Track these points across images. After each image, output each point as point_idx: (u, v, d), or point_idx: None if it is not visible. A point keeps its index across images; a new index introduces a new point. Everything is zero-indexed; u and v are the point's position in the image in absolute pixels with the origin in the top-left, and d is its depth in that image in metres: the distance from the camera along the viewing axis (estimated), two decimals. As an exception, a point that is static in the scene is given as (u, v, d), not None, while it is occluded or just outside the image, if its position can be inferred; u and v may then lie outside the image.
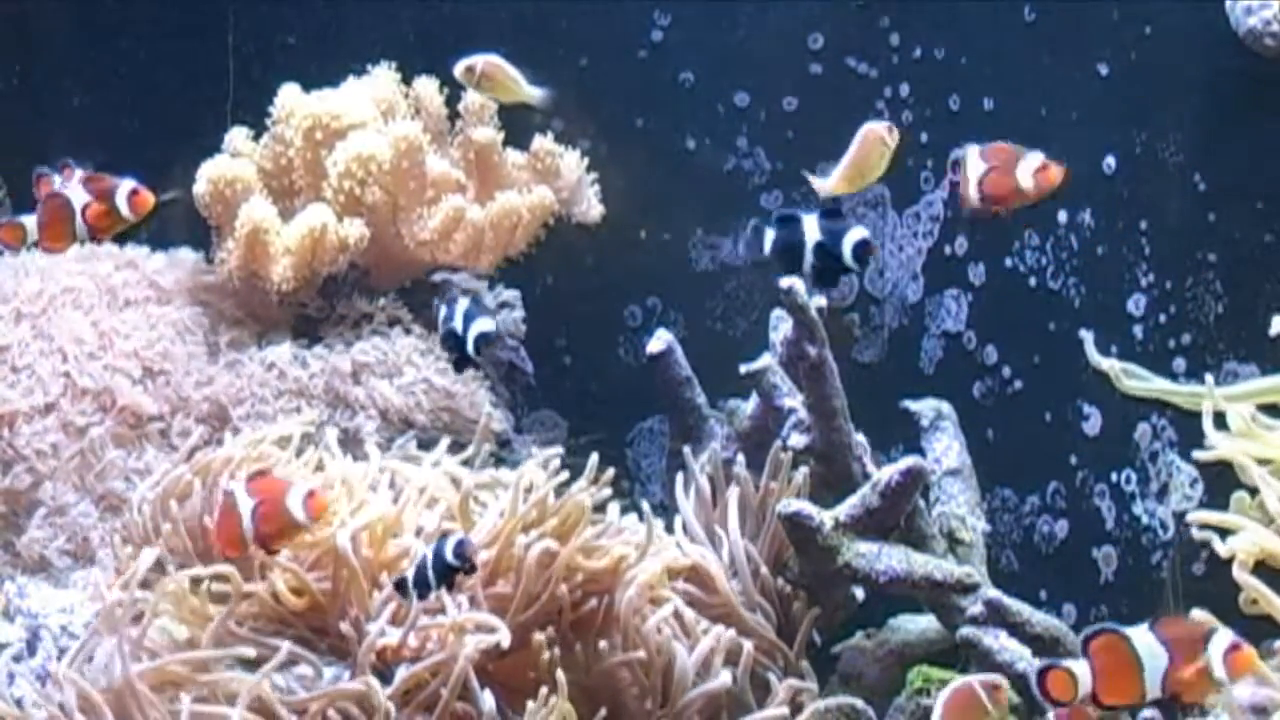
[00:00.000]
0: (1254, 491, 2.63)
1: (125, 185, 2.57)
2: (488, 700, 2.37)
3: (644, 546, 2.56)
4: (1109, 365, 2.94)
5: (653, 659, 2.50)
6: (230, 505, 2.42)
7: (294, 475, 2.57)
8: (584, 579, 2.50)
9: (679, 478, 2.86)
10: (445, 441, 2.82)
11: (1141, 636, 2.07)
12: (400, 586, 2.39)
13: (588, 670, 2.47)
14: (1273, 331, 2.78)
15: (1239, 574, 2.44)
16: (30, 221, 2.60)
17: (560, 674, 2.34)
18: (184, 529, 2.54)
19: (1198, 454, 2.69)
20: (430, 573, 2.35)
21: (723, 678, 2.50)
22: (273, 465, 2.62)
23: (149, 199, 2.58)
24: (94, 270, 3.12)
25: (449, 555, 2.34)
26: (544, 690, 2.33)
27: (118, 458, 2.92)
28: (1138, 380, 2.94)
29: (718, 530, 2.78)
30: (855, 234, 2.51)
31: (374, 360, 3.09)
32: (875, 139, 2.59)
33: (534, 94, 3.02)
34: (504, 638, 2.39)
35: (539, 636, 2.44)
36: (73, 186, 2.57)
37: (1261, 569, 2.48)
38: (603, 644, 2.48)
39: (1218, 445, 2.64)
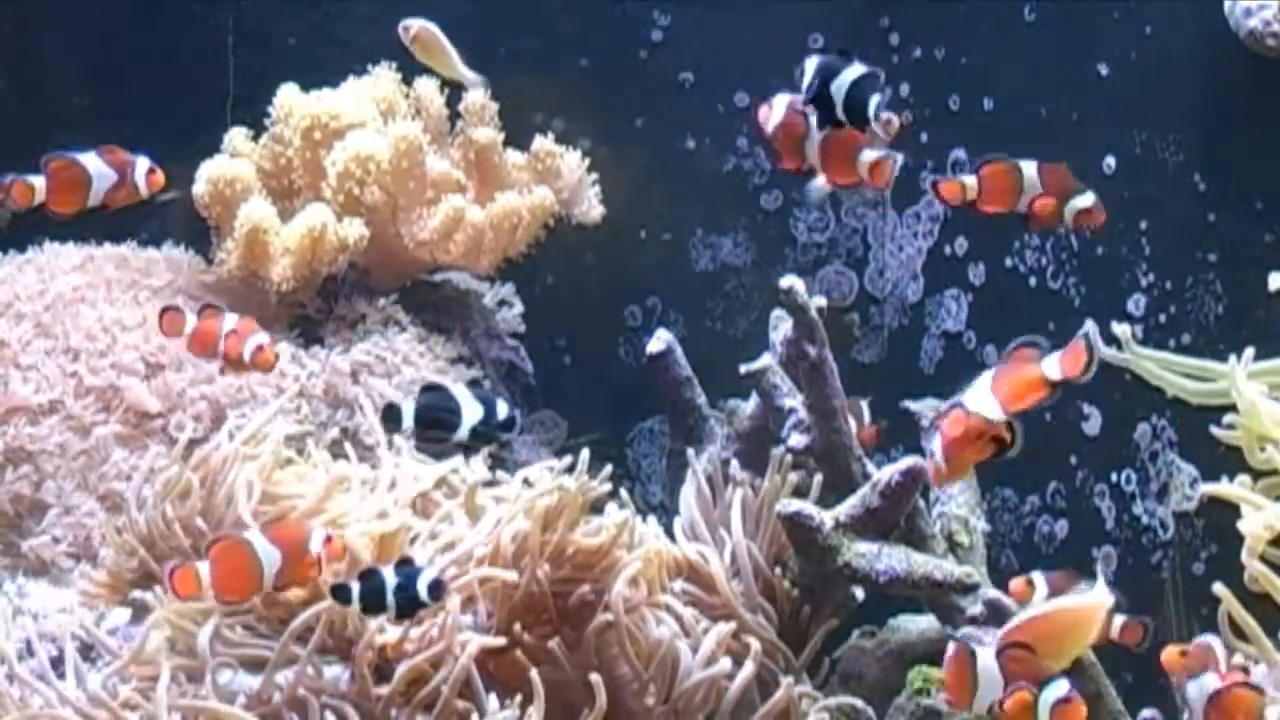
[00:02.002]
0: (1257, 475, 2.64)
1: (142, 162, 2.62)
2: (491, 700, 2.36)
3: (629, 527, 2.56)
4: (1121, 330, 2.91)
5: (653, 655, 2.49)
6: (248, 555, 2.29)
7: (306, 518, 2.51)
8: (575, 553, 2.49)
9: (679, 478, 2.86)
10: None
11: (985, 658, 2.19)
12: (365, 602, 2.32)
13: (586, 666, 2.46)
14: (1272, 287, 2.79)
15: (1247, 559, 2.45)
16: (40, 183, 2.57)
17: (534, 675, 2.34)
18: (180, 529, 2.54)
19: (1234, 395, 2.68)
20: (392, 598, 2.30)
21: (722, 664, 2.49)
22: (272, 466, 2.63)
23: (161, 179, 2.65)
24: (92, 268, 3.12)
25: (421, 591, 2.30)
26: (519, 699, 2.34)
27: (120, 457, 2.92)
28: (1147, 352, 2.93)
29: (719, 531, 2.77)
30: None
31: (373, 360, 3.08)
32: None
33: (466, 74, 3.12)
34: (509, 575, 2.43)
35: (518, 629, 2.45)
36: (88, 156, 2.60)
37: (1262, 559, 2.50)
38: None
39: (1247, 398, 2.64)
